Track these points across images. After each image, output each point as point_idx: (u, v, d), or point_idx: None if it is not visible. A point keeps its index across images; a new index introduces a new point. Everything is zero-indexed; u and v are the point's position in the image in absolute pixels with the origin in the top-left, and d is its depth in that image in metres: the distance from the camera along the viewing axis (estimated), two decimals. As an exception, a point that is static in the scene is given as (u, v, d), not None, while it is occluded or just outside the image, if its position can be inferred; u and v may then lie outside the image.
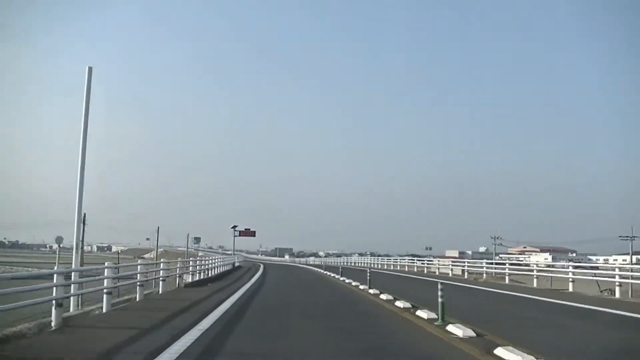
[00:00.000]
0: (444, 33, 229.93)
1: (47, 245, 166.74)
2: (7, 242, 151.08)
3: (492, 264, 35.85)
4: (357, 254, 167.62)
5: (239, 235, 79.51)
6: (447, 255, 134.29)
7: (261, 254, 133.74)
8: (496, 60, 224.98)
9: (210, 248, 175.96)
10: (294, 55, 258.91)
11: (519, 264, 44.60)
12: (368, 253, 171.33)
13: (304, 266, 68.64)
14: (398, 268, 48.17)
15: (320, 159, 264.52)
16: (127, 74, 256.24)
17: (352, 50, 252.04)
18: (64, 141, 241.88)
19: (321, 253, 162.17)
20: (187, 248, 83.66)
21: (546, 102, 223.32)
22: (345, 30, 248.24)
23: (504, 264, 35.14)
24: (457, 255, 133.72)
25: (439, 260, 44.49)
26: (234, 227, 78.79)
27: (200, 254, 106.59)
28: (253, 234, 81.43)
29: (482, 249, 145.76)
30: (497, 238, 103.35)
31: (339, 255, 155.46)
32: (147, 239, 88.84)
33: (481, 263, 36.47)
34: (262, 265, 55.86)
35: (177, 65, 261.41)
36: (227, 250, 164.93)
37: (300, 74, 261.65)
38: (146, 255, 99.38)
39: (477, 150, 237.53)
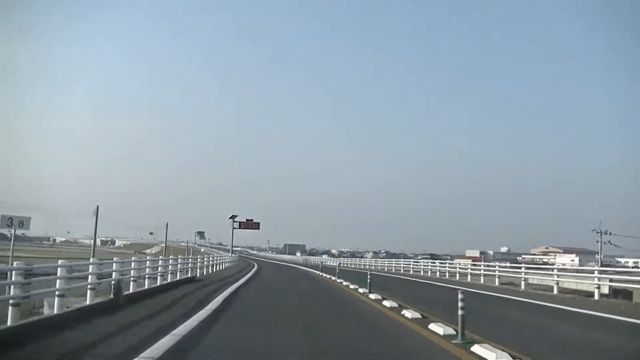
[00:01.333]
0: (456, 33, 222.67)
1: (51, 239, 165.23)
2: (9, 235, 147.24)
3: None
4: (371, 252, 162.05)
5: (240, 227, 69.84)
6: (467, 255, 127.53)
7: (271, 251, 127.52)
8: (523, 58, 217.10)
9: (221, 244, 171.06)
10: (305, 53, 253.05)
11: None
12: (383, 252, 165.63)
13: (329, 281, 29.27)
14: (437, 275, 35.19)
15: (336, 154, 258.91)
16: (133, 73, 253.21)
17: (365, 47, 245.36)
18: (69, 136, 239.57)
19: (334, 251, 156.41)
20: (166, 240, 76.77)
21: (561, 98, 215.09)
22: (355, 30, 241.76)
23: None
24: (477, 255, 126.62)
25: (498, 264, 34.07)
26: (233, 217, 68.88)
27: (202, 249, 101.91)
28: (256, 226, 71.73)
29: (503, 249, 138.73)
30: (606, 233, 67.78)
31: (353, 254, 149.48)
32: (151, 233, 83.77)
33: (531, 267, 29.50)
34: (251, 272, 37.23)
35: (182, 61, 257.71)
36: (235, 247, 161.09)
37: (313, 69, 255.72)
38: (147, 251, 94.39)
39: (495, 148, 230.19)
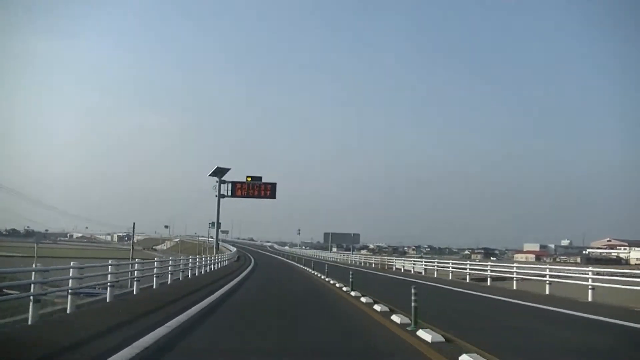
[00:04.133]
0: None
1: (68, 235, 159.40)
2: (22, 231, 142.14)
3: None
4: (412, 247, 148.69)
5: (235, 194, 44.78)
6: (525, 249, 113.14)
7: (304, 247, 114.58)
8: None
9: (252, 239, 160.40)
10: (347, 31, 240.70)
11: None
12: (426, 247, 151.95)
13: None
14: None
15: (382, 142, 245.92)
16: (155, 70, 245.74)
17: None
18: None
19: (371, 246, 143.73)
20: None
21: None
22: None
23: None
24: (537, 249, 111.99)
25: None
26: (219, 173, 44.39)
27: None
28: (268, 192, 45.33)
29: (564, 242, 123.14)
30: None
31: (395, 249, 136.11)
32: (166, 227, 73.22)
33: None
34: None
35: (201, 53, 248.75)
36: (266, 242, 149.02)
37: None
38: (158, 247, 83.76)
39: (550, 139, 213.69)
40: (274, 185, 46.70)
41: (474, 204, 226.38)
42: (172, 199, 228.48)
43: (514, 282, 22.41)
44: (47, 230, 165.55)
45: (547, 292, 18.82)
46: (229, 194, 46.05)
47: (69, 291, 10.88)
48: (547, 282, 19.56)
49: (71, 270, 10.91)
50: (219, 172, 45.53)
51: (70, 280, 10.85)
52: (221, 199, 45.52)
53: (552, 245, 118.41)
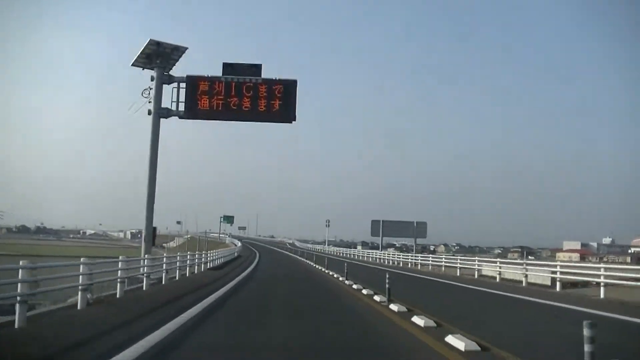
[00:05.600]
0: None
1: (81, 231, 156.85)
2: (33, 229, 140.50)
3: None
4: (442, 245, 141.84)
5: (190, 109, 21.25)
6: (565, 248, 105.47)
7: (330, 245, 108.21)
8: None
9: (272, 237, 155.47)
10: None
11: None
12: (455, 245, 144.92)
13: None
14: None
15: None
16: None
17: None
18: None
19: (397, 244, 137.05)
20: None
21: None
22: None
23: None
24: (578, 247, 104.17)
25: None
26: (153, 57, 20.76)
27: (227, 241, 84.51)
28: (278, 104, 21.10)
29: (606, 240, 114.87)
30: None
31: (424, 247, 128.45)
32: (178, 223, 68.39)
33: None
34: None
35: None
36: (287, 240, 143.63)
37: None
38: (167, 244, 79.38)
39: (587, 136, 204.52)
40: (288, 87, 21.75)
41: (498, 200, 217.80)
42: (185, 194, 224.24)
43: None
44: (63, 227, 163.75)
45: None
46: (182, 108, 21.43)
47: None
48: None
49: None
50: (157, 56, 21.00)
51: None
52: (166, 120, 21.92)
53: (594, 244, 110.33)
